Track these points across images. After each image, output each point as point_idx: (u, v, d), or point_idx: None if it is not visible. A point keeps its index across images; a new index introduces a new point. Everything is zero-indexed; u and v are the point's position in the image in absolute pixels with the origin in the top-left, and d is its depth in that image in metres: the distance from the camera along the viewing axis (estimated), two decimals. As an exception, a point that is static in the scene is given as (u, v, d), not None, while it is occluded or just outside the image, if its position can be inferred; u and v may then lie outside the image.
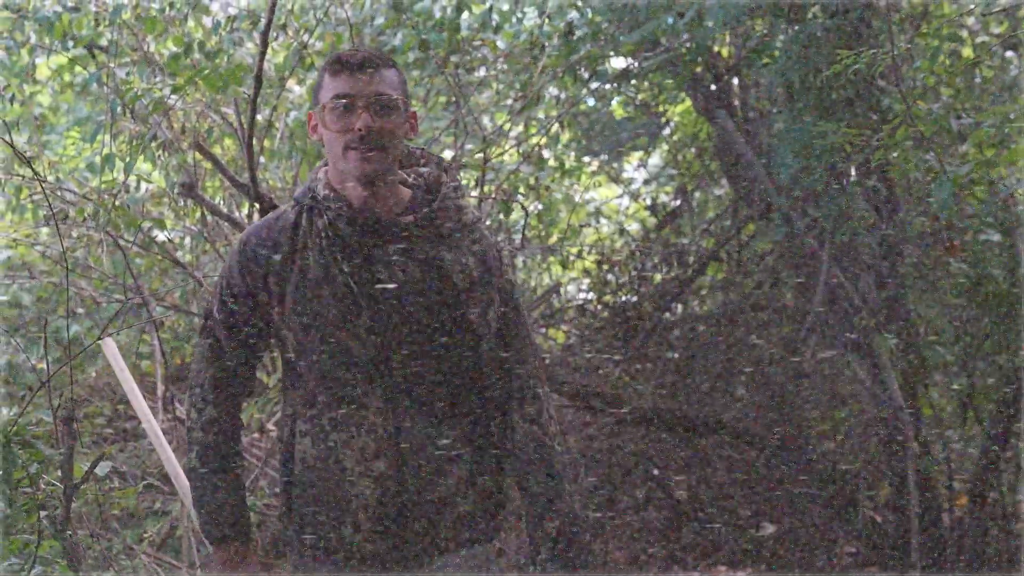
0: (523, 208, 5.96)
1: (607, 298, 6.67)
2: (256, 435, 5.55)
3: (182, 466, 3.37)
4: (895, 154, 4.01)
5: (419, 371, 2.75)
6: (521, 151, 6.10)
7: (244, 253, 2.81)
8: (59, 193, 4.93)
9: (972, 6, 5.01)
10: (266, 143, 5.53)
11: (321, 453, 2.79)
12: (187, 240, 5.47)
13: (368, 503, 2.77)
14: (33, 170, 4.22)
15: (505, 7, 5.49)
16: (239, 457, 2.90)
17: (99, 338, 3.74)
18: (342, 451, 2.76)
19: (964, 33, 5.26)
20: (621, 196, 7.50)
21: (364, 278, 2.71)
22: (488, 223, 5.28)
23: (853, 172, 4.61)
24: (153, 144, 4.67)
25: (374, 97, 2.66)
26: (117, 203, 4.59)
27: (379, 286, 2.71)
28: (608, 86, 6.02)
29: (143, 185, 5.10)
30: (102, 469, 3.62)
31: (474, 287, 2.77)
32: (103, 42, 5.08)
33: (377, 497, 2.76)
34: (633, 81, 6.17)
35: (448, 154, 5.97)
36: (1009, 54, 5.35)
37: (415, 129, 2.82)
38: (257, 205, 4.61)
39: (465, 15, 5.39)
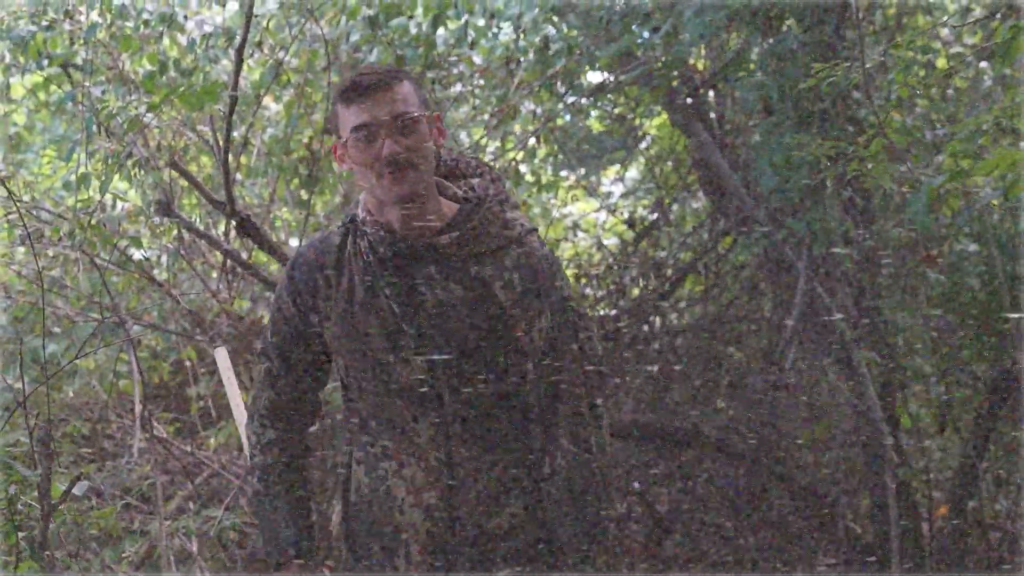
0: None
1: (586, 312, 6.67)
2: (235, 452, 5.52)
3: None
4: (870, 166, 4.03)
5: (469, 395, 2.66)
6: (498, 166, 6.10)
7: (292, 275, 2.78)
8: (34, 212, 4.91)
9: (946, 18, 5.03)
10: (243, 160, 5.53)
11: (373, 482, 2.75)
12: (164, 258, 5.44)
13: (419, 535, 2.71)
14: (8, 190, 4.21)
15: (481, 23, 5.48)
16: (303, 479, 2.86)
17: (76, 357, 3.73)
18: (392, 481, 2.71)
19: (938, 44, 5.28)
20: (599, 210, 7.48)
21: (407, 299, 2.65)
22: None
23: (830, 184, 4.62)
24: (129, 162, 4.65)
25: (393, 120, 2.59)
26: (93, 222, 4.58)
27: (421, 307, 2.64)
28: (584, 100, 6.03)
29: (119, 203, 5.08)
30: (80, 489, 3.60)
31: (518, 303, 2.68)
32: (78, 60, 5.07)
33: (427, 529, 2.70)
34: (609, 95, 6.18)
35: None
36: (983, 65, 5.37)
37: (444, 133, 2.76)
38: (234, 222, 4.61)
39: (441, 31, 5.38)
